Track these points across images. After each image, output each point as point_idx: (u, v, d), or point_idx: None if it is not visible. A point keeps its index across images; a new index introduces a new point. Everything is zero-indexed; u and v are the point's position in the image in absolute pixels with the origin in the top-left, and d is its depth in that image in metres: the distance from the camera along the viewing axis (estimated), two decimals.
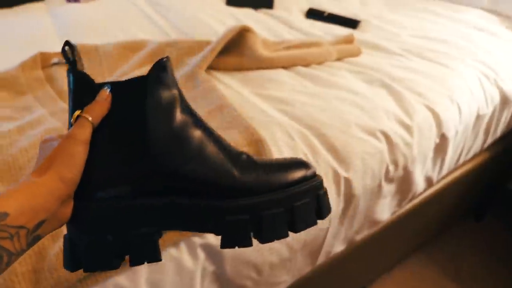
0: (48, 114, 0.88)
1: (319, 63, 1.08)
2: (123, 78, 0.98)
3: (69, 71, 0.41)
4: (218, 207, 0.40)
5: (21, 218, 0.32)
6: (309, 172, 0.44)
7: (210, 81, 0.96)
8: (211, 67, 1.04)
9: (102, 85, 0.41)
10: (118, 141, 0.40)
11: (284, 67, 1.05)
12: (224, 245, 0.40)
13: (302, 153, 0.81)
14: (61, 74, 1.01)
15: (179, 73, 1.01)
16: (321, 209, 0.43)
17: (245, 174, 0.42)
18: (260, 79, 1.01)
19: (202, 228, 0.41)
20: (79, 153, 0.37)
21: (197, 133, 0.41)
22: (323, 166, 0.81)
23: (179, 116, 0.41)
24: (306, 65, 1.06)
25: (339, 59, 1.10)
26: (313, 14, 1.34)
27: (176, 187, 0.40)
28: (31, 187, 0.34)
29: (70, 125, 0.40)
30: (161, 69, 0.41)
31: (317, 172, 0.55)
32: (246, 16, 1.35)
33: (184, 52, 1.07)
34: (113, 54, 1.07)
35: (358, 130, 0.85)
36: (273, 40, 1.14)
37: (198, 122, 0.42)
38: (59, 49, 1.16)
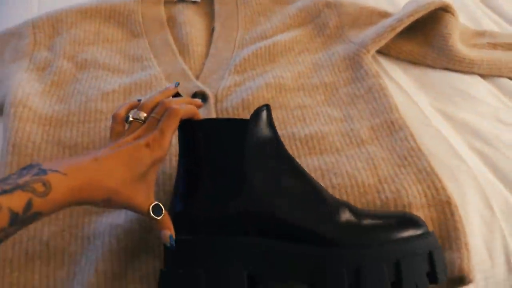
0: (163, 77, 0.67)
1: None
2: (263, 42, 0.73)
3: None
4: (316, 255, 0.40)
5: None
6: (419, 231, 0.43)
7: (379, 78, 0.68)
8: (379, 50, 0.75)
9: (206, 121, 0.44)
10: (217, 177, 0.42)
11: (483, 75, 0.73)
12: None
13: (500, 234, 0.54)
14: (186, 18, 0.78)
15: (336, 51, 0.74)
16: (435, 271, 0.42)
17: (346, 227, 0.41)
18: (446, 87, 0.71)
19: (295, 277, 0.40)
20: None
21: (292, 181, 0.42)
22: None
23: (273, 163, 0.42)
24: None
25: None
26: None
27: (271, 229, 0.41)
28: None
29: None
30: (260, 116, 0.43)
31: None
32: None
33: (346, 22, 0.78)
34: (253, 4, 0.82)
35: None
36: (473, 30, 0.80)
37: (295, 169, 0.44)
38: None
